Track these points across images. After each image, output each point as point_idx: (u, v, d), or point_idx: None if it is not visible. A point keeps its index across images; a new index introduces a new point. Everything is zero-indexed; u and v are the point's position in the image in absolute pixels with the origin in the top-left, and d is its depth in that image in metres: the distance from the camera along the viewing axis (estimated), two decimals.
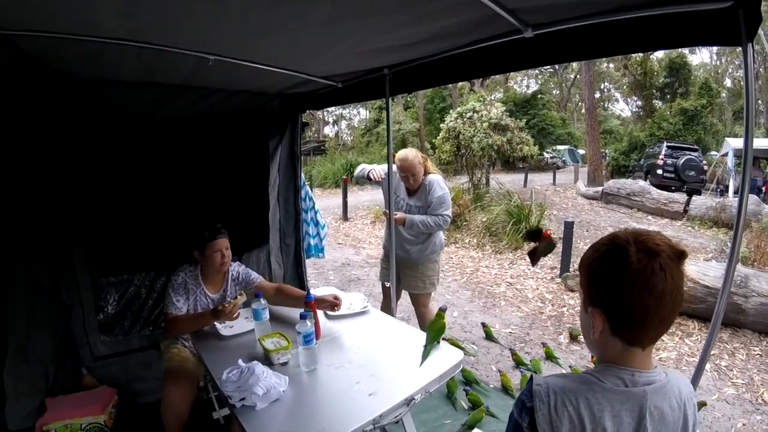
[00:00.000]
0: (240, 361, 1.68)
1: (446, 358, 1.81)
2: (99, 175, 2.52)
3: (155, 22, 1.62)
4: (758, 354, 3.61)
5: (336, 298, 2.16)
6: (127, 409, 2.53)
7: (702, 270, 4.22)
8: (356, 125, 34.51)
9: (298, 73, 2.52)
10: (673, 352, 3.65)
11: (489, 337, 3.83)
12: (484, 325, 3.96)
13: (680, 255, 0.75)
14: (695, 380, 1.50)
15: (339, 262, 6.40)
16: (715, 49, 30.93)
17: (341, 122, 39.58)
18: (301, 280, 3.54)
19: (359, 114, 36.99)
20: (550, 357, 3.41)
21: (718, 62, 31.60)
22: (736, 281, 3.90)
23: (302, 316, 1.77)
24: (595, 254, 0.80)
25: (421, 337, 1.90)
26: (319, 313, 2.12)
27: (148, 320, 2.80)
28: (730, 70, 30.55)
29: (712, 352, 3.68)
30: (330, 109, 38.37)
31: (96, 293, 2.62)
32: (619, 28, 1.52)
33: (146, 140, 2.65)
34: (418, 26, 1.72)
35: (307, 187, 4.06)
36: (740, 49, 1.27)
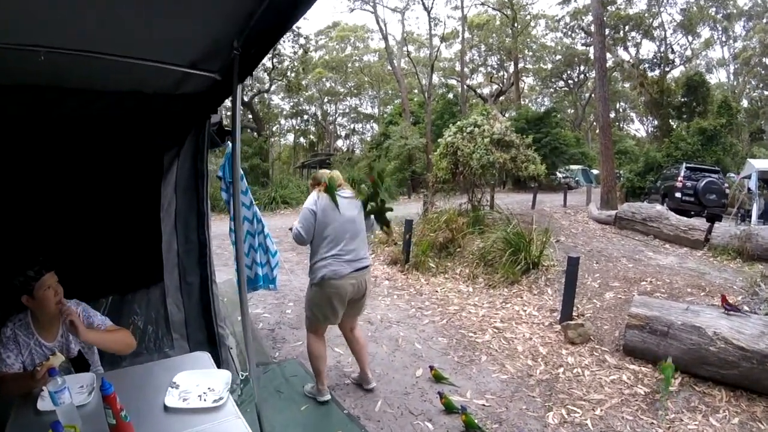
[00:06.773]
0: None
1: None
2: None
3: None
4: None
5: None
6: None
7: (736, 327, 3.30)
8: (369, 139, 34.34)
9: (164, 65, 1.84)
10: None
11: (450, 408, 2.98)
12: (441, 395, 3.05)
13: None
14: None
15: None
16: (732, 68, 30.24)
17: (353, 136, 39.51)
18: (209, 328, 2.79)
19: (372, 129, 36.92)
20: None
21: (735, 82, 30.64)
22: None
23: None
24: None
25: None
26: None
27: None
28: (747, 90, 29.66)
29: (734, 420, 2.88)
30: (342, 122, 38.58)
31: None
32: None
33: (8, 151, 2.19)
34: None
35: (256, 208, 3.39)
36: None
